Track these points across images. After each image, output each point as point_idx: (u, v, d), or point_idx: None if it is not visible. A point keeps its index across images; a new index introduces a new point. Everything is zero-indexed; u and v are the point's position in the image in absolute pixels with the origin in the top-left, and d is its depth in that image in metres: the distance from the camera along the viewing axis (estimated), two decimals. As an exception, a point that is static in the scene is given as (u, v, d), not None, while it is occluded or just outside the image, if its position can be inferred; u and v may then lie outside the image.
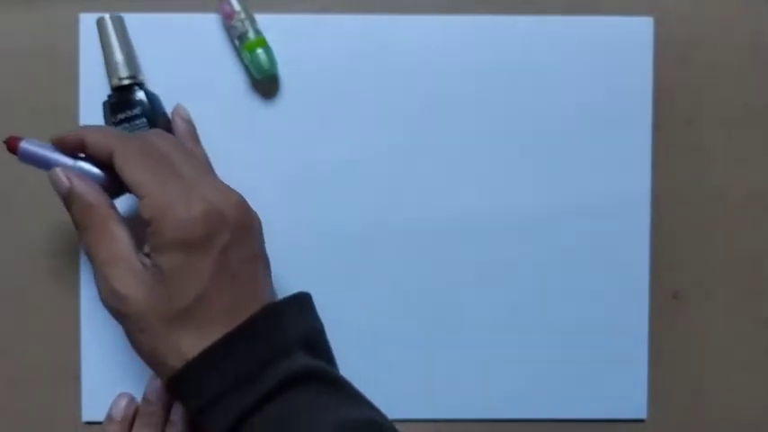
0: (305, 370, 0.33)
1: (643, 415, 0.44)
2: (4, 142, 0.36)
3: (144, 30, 0.43)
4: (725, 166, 0.45)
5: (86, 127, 0.37)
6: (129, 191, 0.35)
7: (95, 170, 0.36)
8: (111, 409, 0.42)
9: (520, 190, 0.44)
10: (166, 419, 0.42)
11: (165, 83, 0.43)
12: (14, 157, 0.43)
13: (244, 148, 0.43)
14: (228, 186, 0.35)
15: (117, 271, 0.34)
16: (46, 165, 0.36)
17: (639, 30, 0.44)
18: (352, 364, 0.42)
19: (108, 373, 0.43)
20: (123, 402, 0.42)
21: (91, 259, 0.35)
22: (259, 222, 0.36)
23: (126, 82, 0.41)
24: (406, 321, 0.44)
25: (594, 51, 0.44)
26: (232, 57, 0.43)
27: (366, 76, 0.43)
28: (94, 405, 0.43)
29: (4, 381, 0.44)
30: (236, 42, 0.42)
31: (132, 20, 0.43)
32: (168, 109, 0.43)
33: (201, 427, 0.33)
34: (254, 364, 0.32)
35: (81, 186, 0.35)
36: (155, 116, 0.41)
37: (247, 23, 0.42)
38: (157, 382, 0.43)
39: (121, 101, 0.41)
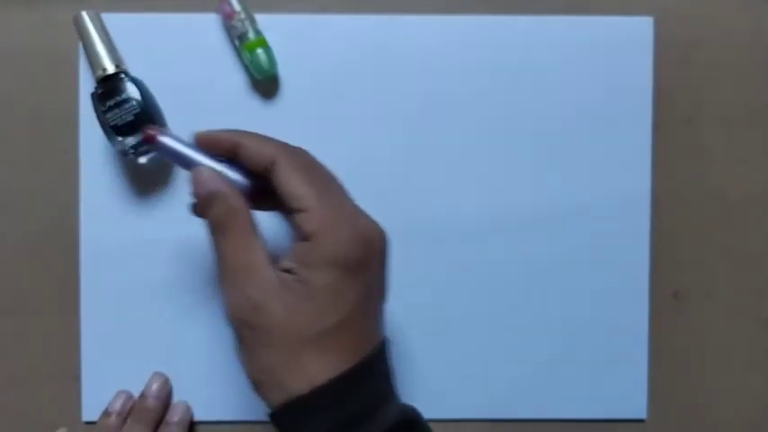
0: (414, 414, 0.33)
1: (643, 415, 0.44)
2: (143, 134, 0.35)
3: (144, 30, 0.43)
4: (725, 167, 0.45)
5: (243, 132, 0.35)
6: (270, 207, 0.34)
7: (239, 177, 0.34)
8: (108, 404, 0.42)
9: (519, 190, 0.44)
10: (162, 419, 0.42)
11: (165, 83, 0.43)
12: (14, 157, 0.43)
13: (244, 149, 0.43)
14: (368, 214, 0.34)
15: (254, 279, 0.31)
16: (186, 162, 0.34)
17: (639, 30, 0.44)
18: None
19: (108, 373, 0.43)
20: (120, 398, 0.42)
21: (223, 265, 0.33)
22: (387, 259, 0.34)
23: (111, 71, 0.40)
24: (406, 321, 0.44)
25: (594, 51, 0.44)
26: (232, 57, 0.43)
27: (366, 77, 0.43)
28: (94, 405, 0.43)
29: (4, 381, 0.44)
30: (236, 42, 0.42)
31: (132, 20, 0.43)
32: (168, 108, 0.43)
33: None
34: (375, 399, 0.32)
35: (227, 189, 0.33)
36: (144, 100, 0.40)
37: (247, 23, 0.42)
38: (158, 380, 0.43)
39: (108, 89, 0.40)
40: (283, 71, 0.43)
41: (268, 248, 0.33)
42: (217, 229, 0.33)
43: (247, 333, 0.32)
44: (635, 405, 0.44)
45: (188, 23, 0.43)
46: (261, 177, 0.34)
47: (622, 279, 0.44)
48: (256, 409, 0.44)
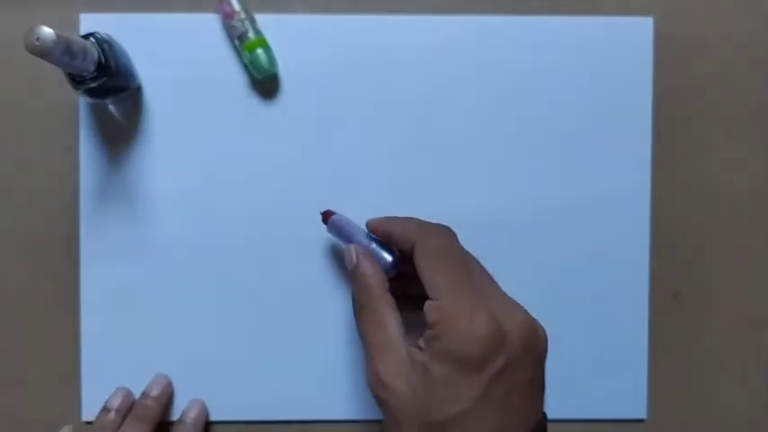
0: None
1: (643, 415, 0.44)
2: (321, 214, 0.41)
3: (144, 30, 0.43)
4: (725, 167, 0.45)
5: (393, 219, 0.38)
6: (415, 280, 0.35)
7: (386, 255, 0.37)
8: (107, 400, 0.42)
9: (519, 191, 0.44)
10: (162, 420, 0.42)
11: (165, 83, 0.43)
12: (14, 157, 0.43)
13: (243, 149, 0.43)
14: (515, 302, 0.34)
15: (384, 357, 0.33)
16: (347, 239, 0.39)
17: (639, 29, 0.44)
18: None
19: (108, 374, 0.43)
20: (120, 395, 0.42)
21: (362, 340, 0.35)
22: (545, 344, 0.34)
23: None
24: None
25: (594, 51, 0.44)
26: (232, 57, 0.43)
27: (366, 76, 0.43)
28: (94, 405, 0.43)
29: (3, 381, 0.44)
30: (236, 42, 0.42)
31: (132, 20, 0.43)
32: (168, 108, 0.43)
33: None
34: None
35: (365, 266, 0.36)
36: (112, 65, 0.38)
37: (247, 23, 0.42)
38: (160, 379, 0.42)
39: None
40: (283, 71, 0.43)
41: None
42: (355, 305, 0.36)
43: (382, 408, 0.33)
44: (635, 405, 0.44)
45: (188, 23, 0.43)
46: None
47: (622, 279, 0.44)
48: (256, 409, 0.44)
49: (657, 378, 0.44)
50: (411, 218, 0.37)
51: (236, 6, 0.42)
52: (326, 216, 0.40)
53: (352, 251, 0.37)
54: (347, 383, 0.44)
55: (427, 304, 0.33)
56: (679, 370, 0.45)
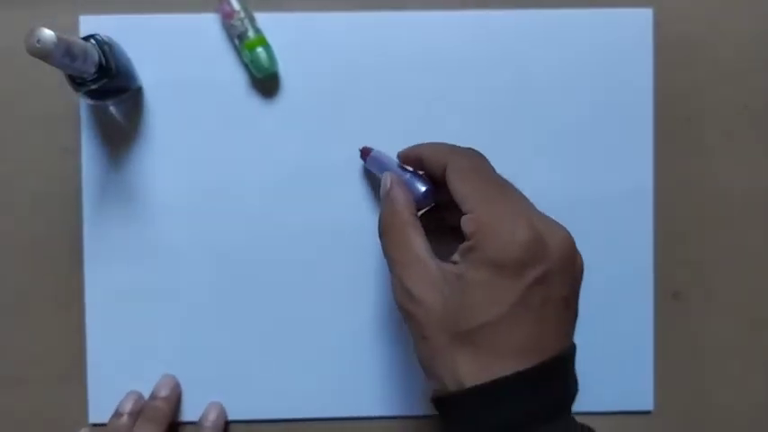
0: None
1: (650, 407, 0.44)
2: (360, 150, 0.42)
3: (144, 31, 0.43)
4: (725, 167, 0.45)
5: (424, 144, 0.38)
6: (450, 209, 0.35)
7: (419, 184, 0.37)
8: (119, 404, 0.42)
9: (521, 187, 0.43)
10: (172, 417, 0.42)
11: (165, 83, 0.43)
12: (14, 157, 0.43)
13: (244, 148, 0.43)
14: (556, 221, 0.33)
15: (412, 273, 0.33)
16: (384, 170, 0.39)
17: (639, 22, 0.44)
18: (372, 361, 0.42)
19: (114, 375, 0.43)
20: (131, 398, 0.42)
21: (389, 261, 0.35)
22: (581, 267, 0.33)
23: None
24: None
25: (594, 45, 0.44)
26: (232, 56, 0.43)
27: (367, 74, 0.43)
28: (100, 406, 0.43)
29: (9, 382, 0.44)
30: (236, 42, 0.42)
31: (132, 20, 0.43)
32: (168, 108, 0.43)
33: None
34: (534, 414, 0.30)
35: (396, 192, 0.36)
36: (113, 66, 0.38)
37: (247, 22, 0.42)
38: (167, 380, 0.42)
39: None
40: (284, 70, 0.43)
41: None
42: (382, 230, 0.36)
43: (410, 323, 0.33)
44: (642, 397, 0.44)
45: (188, 23, 0.43)
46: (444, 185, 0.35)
47: (626, 275, 0.44)
48: (258, 409, 0.44)
49: (661, 374, 0.44)
50: (441, 142, 0.37)
51: (236, 6, 0.42)
52: (365, 152, 0.41)
53: (387, 178, 0.37)
54: (355, 380, 0.44)
55: (463, 218, 0.32)
56: (681, 367, 0.45)
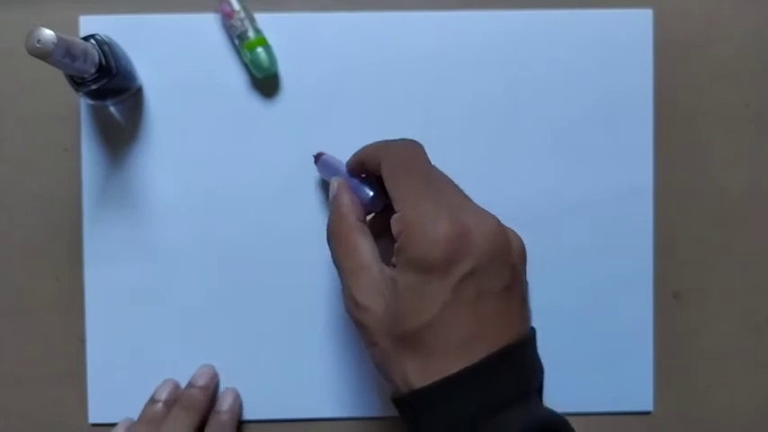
0: (547, 424, 0.30)
1: (650, 407, 0.44)
2: (314, 156, 0.42)
3: (144, 30, 0.43)
4: (725, 167, 0.45)
5: (362, 147, 0.37)
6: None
7: (366, 188, 0.37)
8: (155, 391, 0.42)
9: (521, 189, 0.44)
10: (209, 407, 0.42)
11: (165, 83, 0.43)
12: (15, 157, 0.43)
13: (244, 148, 0.43)
14: (486, 211, 0.33)
15: (358, 281, 0.33)
16: (333, 176, 0.39)
17: (639, 22, 0.44)
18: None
19: (114, 375, 0.43)
20: (168, 386, 0.42)
21: (337, 268, 0.35)
22: (520, 251, 0.33)
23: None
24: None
25: (595, 45, 0.44)
26: (232, 57, 0.43)
27: (367, 75, 0.43)
28: (100, 406, 0.43)
29: (9, 382, 0.44)
30: (236, 42, 0.42)
31: (132, 20, 0.43)
32: (168, 108, 0.43)
33: None
34: (490, 404, 0.30)
35: (341, 197, 0.36)
36: (113, 66, 0.38)
37: (247, 23, 0.42)
38: (206, 369, 0.42)
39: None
40: (284, 70, 0.43)
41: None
42: (329, 235, 0.35)
43: (360, 331, 0.33)
44: (642, 397, 0.44)
45: (188, 23, 0.43)
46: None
47: (626, 275, 0.44)
48: (259, 410, 0.44)
49: (660, 374, 0.44)
50: (377, 141, 0.37)
51: (236, 6, 0.42)
52: (317, 158, 0.41)
53: (334, 183, 0.37)
54: (344, 380, 0.44)
55: (392, 219, 0.32)
56: (681, 367, 0.45)
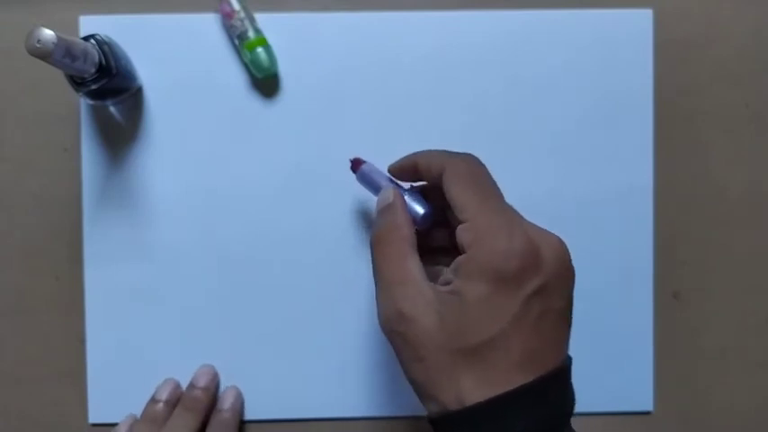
0: None
1: (650, 407, 0.44)
2: (351, 161, 0.39)
3: (144, 30, 0.43)
4: (725, 166, 0.45)
5: (418, 152, 0.36)
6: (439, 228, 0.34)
7: (418, 205, 0.36)
8: (155, 391, 0.42)
9: (521, 189, 0.44)
10: (211, 409, 0.42)
11: (165, 83, 0.43)
12: (15, 157, 0.43)
13: (244, 148, 0.43)
14: (548, 231, 0.32)
15: (406, 291, 0.31)
16: (377, 188, 0.38)
17: (639, 22, 0.44)
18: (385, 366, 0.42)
19: (114, 375, 0.43)
20: (168, 386, 0.42)
21: (379, 277, 0.33)
22: (573, 276, 0.32)
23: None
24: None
25: (595, 45, 0.44)
26: (232, 57, 0.43)
27: (367, 75, 0.43)
28: (100, 406, 0.43)
29: (9, 382, 0.44)
30: (236, 42, 0.42)
31: (132, 20, 0.43)
32: (169, 108, 0.43)
33: None
34: (533, 428, 0.29)
35: (398, 206, 0.35)
36: (113, 66, 0.38)
37: (247, 23, 0.42)
38: (205, 369, 0.42)
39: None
40: (284, 70, 0.43)
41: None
42: (377, 242, 0.34)
43: (401, 345, 0.31)
44: (642, 398, 0.44)
45: (188, 23, 0.43)
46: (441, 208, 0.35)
47: (626, 275, 0.44)
48: (259, 410, 0.44)
49: (661, 374, 0.44)
50: (437, 149, 0.36)
51: (236, 6, 0.42)
52: (356, 165, 0.39)
53: (390, 191, 0.36)
54: (344, 380, 0.44)
55: (459, 228, 0.31)
56: (681, 367, 0.45)
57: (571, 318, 0.32)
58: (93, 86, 0.37)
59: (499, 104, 0.44)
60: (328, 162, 0.43)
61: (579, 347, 0.44)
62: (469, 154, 0.35)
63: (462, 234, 0.31)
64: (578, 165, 0.44)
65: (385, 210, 0.35)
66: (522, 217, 0.32)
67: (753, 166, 0.45)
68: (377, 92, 0.43)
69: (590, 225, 0.44)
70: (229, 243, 0.43)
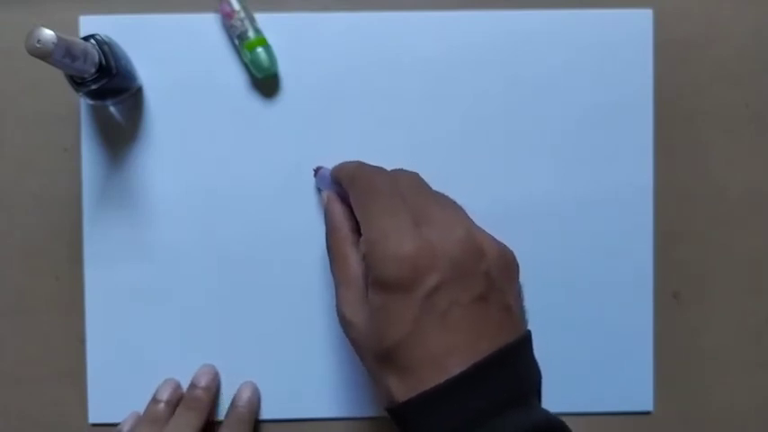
0: (540, 428, 0.29)
1: (649, 407, 0.44)
2: (314, 170, 0.42)
3: (144, 30, 0.43)
4: (725, 167, 0.45)
5: (338, 165, 0.38)
6: None
7: None
8: (156, 392, 0.42)
9: (521, 189, 0.44)
10: (212, 407, 0.42)
11: (165, 83, 0.43)
12: (15, 157, 0.43)
13: (244, 148, 0.43)
14: (457, 221, 0.32)
15: (346, 294, 0.34)
16: (326, 188, 0.40)
17: (639, 22, 0.44)
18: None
19: (114, 375, 0.43)
20: (169, 387, 0.42)
21: (333, 279, 0.35)
22: (497, 258, 0.32)
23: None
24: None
25: (595, 45, 0.44)
26: (232, 57, 0.43)
27: (368, 75, 0.43)
28: (100, 406, 0.43)
29: (9, 382, 0.44)
30: (236, 42, 0.42)
31: (132, 20, 0.43)
32: (169, 108, 0.43)
33: None
34: (472, 417, 0.29)
35: (332, 208, 0.37)
36: (113, 66, 0.38)
37: (247, 23, 0.42)
38: (207, 369, 0.43)
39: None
40: (284, 70, 0.43)
41: None
42: (326, 245, 0.36)
43: (351, 344, 0.34)
44: (641, 398, 0.44)
45: (188, 23, 0.43)
46: None
47: (626, 275, 0.44)
48: (264, 409, 0.43)
49: (661, 374, 0.44)
50: (351, 162, 0.37)
51: (236, 6, 0.42)
52: (316, 172, 0.42)
53: (324, 196, 0.38)
54: (345, 380, 0.44)
55: (360, 241, 0.33)
56: (681, 367, 0.45)
57: (501, 304, 0.31)
58: (93, 86, 0.37)
59: (499, 104, 0.44)
60: (328, 162, 0.43)
61: (579, 347, 0.44)
62: (361, 165, 0.36)
63: (361, 246, 0.32)
64: (578, 165, 0.44)
65: (325, 214, 0.37)
66: (425, 211, 0.32)
67: (753, 166, 0.45)
68: (377, 92, 0.43)
69: (590, 225, 0.44)
70: (229, 243, 0.43)
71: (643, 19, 0.44)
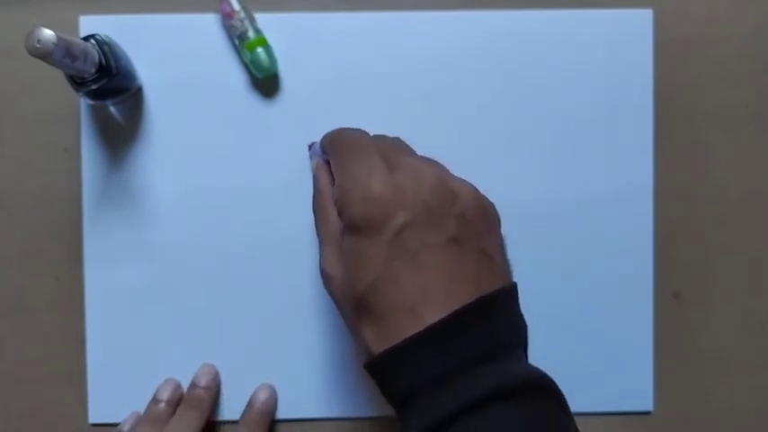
0: (522, 383, 0.28)
1: (650, 407, 0.44)
2: (308, 145, 0.42)
3: (144, 30, 0.43)
4: (725, 167, 0.45)
5: (326, 134, 0.38)
6: None
7: None
8: (156, 391, 0.42)
9: (521, 189, 0.44)
10: (213, 407, 0.42)
11: (165, 83, 0.43)
12: (15, 158, 0.43)
13: (244, 148, 0.43)
14: (428, 165, 0.32)
15: (326, 250, 0.34)
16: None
17: (639, 22, 0.44)
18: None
19: (114, 375, 0.43)
20: (170, 386, 0.42)
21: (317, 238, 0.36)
22: (471, 202, 0.31)
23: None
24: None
25: (595, 45, 0.44)
26: (232, 57, 0.43)
27: (367, 75, 0.43)
28: (100, 406, 0.43)
29: (9, 382, 0.44)
30: (236, 42, 0.42)
31: (132, 20, 0.43)
32: (169, 108, 0.43)
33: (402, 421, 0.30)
34: (448, 368, 0.28)
35: (319, 174, 0.38)
36: (113, 66, 0.38)
37: (247, 23, 0.42)
38: (208, 368, 0.43)
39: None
40: (284, 70, 0.43)
41: None
42: (313, 211, 0.37)
43: (333, 302, 0.34)
44: (642, 398, 0.44)
45: (188, 23, 0.43)
46: None
47: (626, 275, 0.44)
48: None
49: (661, 374, 0.44)
50: (343, 128, 0.38)
51: (236, 6, 0.42)
52: (311, 146, 0.42)
53: (313, 162, 0.40)
54: (345, 380, 0.44)
55: (332, 190, 0.33)
56: (681, 367, 0.45)
57: (476, 248, 0.30)
58: (93, 86, 0.37)
59: (499, 104, 0.44)
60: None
61: (579, 347, 0.44)
62: (358, 129, 0.36)
63: (334, 193, 0.33)
64: (578, 164, 0.44)
65: (313, 180, 0.39)
66: (396, 157, 0.33)
67: (753, 166, 0.45)
68: (377, 92, 0.43)
69: (590, 225, 0.44)
70: (229, 243, 0.43)
71: (643, 19, 0.44)
